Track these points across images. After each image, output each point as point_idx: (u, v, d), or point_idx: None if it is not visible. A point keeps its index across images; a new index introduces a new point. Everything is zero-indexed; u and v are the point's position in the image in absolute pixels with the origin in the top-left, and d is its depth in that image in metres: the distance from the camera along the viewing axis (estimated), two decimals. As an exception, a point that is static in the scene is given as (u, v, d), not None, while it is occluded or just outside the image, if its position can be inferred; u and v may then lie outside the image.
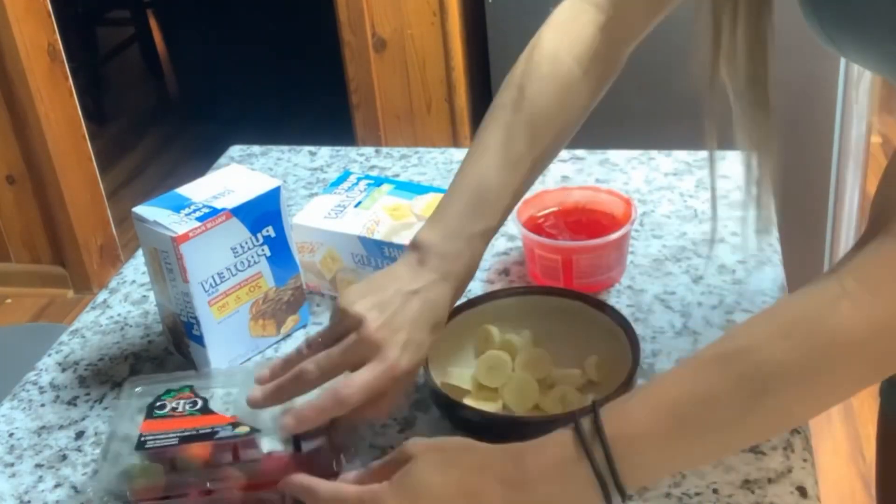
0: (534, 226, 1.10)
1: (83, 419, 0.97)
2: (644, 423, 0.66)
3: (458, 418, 0.87)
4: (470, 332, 0.96)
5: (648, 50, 2.25)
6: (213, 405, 0.87)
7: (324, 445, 0.82)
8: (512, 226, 1.21)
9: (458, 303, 0.97)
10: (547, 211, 1.13)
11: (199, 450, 0.83)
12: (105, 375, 1.03)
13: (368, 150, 1.45)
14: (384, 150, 1.45)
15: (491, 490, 0.68)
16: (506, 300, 0.98)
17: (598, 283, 1.07)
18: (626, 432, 0.66)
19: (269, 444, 0.83)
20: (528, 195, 1.14)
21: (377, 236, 1.05)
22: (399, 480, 0.70)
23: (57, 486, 0.89)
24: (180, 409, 0.86)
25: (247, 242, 0.99)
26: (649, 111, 2.24)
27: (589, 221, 1.10)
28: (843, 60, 2.12)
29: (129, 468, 0.82)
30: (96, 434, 0.95)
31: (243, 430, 0.83)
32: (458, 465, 0.71)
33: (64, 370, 1.05)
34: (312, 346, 0.83)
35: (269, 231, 1.00)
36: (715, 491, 0.81)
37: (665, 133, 1.80)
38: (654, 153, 1.36)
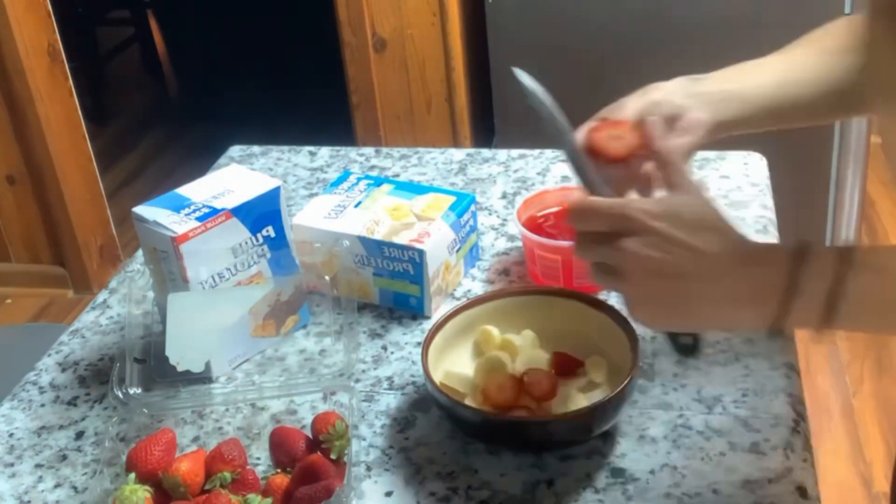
0: (534, 226, 1.10)
1: (83, 419, 0.97)
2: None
3: (458, 418, 0.87)
4: (470, 332, 0.96)
5: (649, 49, 2.25)
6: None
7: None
8: (512, 226, 1.21)
9: (458, 303, 0.98)
10: (547, 211, 1.14)
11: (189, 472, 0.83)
12: (105, 375, 1.03)
13: (368, 150, 1.45)
14: (384, 150, 1.45)
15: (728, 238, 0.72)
16: (506, 300, 0.98)
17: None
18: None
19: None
20: (528, 195, 1.14)
21: (377, 236, 1.05)
22: (664, 200, 0.74)
23: (57, 486, 0.89)
24: None
25: (247, 242, 0.99)
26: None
27: (589, 221, 1.10)
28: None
29: (116, 494, 0.82)
30: (96, 434, 0.95)
31: None
32: (717, 216, 0.74)
33: (64, 370, 1.05)
34: None
35: (269, 231, 1.00)
36: (715, 491, 0.81)
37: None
38: (654, 153, 1.36)
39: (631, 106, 0.88)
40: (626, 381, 0.83)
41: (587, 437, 0.87)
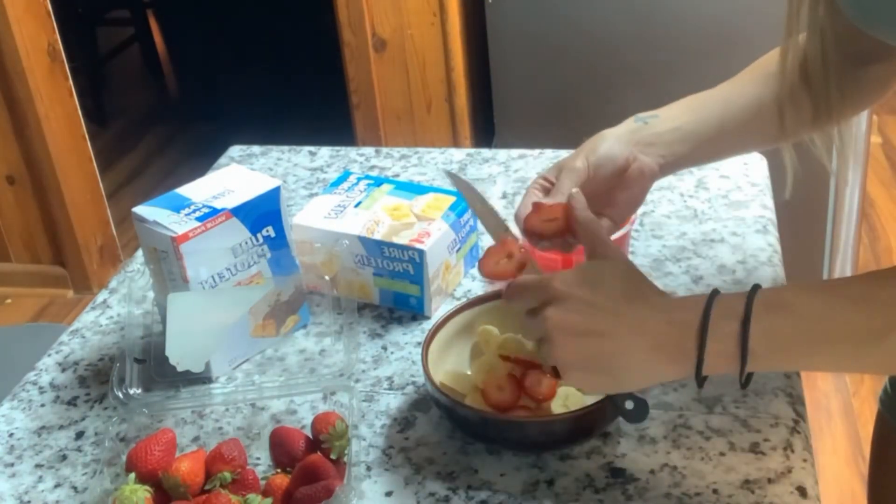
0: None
1: (83, 419, 0.97)
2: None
3: (458, 418, 0.87)
4: (470, 332, 0.96)
5: (649, 50, 2.25)
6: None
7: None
8: (512, 226, 1.21)
9: (458, 303, 0.98)
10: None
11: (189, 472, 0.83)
12: (105, 375, 1.03)
13: (368, 150, 1.45)
14: (384, 150, 1.45)
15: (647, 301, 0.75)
16: (506, 300, 0.97)
17: (598, 283, 1.07)
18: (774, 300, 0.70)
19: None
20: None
21: (377, 236, 1.05)
22: (582, 268, 0.78)
23: (57, 486, 0.89)
24: None
25: (247, 242, 0.99)
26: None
27: (589, 221, 1.10)
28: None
29: (115, 494, 0.82)
30: (96, 434, 0.95)
31: None
32: (637, 277, 0.77)
33: (64, 370, 1.05)
34: None
35: (269, 231, 1.00)
36: (715, 491, 0.81)
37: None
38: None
39: (578, 167, 0.90)
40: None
41: (587, 437, 0.87)
